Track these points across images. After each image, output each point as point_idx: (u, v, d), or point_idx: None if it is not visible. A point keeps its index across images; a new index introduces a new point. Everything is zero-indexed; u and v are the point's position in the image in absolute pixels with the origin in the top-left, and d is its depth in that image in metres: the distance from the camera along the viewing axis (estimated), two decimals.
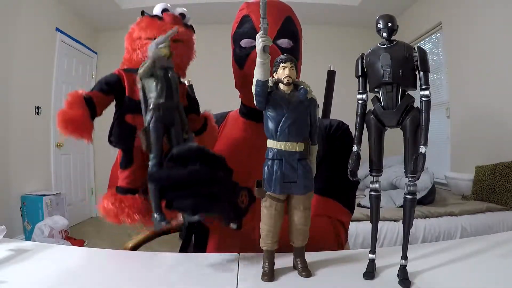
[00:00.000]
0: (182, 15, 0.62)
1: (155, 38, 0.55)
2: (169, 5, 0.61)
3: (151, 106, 0.51)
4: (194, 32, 0.64)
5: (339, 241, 0.72)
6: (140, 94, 0.52)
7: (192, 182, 0.47)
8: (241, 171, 0.75)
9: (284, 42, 0.73)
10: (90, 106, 0.51)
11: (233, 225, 0.54)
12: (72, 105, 0.49)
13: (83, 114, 0.49)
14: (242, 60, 0.75)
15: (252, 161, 0.74)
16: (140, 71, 0.51)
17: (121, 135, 0.55)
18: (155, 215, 0.52)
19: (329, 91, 1.09)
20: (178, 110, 0.54)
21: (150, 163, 0.51)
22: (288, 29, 0.74)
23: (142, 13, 0.61)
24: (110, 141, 0.56)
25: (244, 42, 0.75)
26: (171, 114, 0.52)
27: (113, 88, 0.55)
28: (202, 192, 0.48)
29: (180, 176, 0.47)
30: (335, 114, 1.10)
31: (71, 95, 0.50)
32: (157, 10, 0.60)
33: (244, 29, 0.75)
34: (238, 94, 0.82)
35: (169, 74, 0.52)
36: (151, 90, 0.51)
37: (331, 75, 1.09)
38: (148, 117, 0.51)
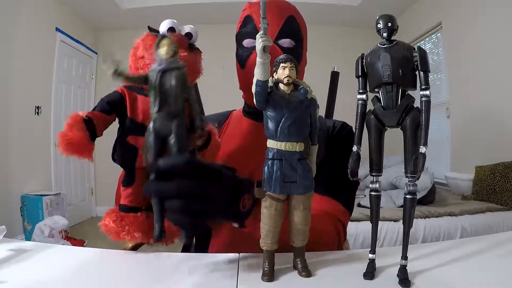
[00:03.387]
0: (189, 34, 0.59)
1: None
2: (175, 21, 0.58)
3: (152, 117, 0.49)
4: (201, 52, 0.61)
5: (339, 240, 0.72)
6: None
7: (182, 197, 0.45)
8: (244, 171, 0.75)
9: (285, 42, 0.73)
10: (90, 127, 0.51)
11: (235, 224, 0.54)
12: (72, 127, 0.50)
13: (82, 136, 0.50)
14: (244, 60, 0.75)
15: (255, 160, 0.74)
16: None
17: (123, 155, 0.55)
18: (156, 227, 0.50)
19: (333, 92, 1.09)
20: (181, 117, 0.49)
21: (149, 177, 0.48)
22: (290, 29, 0.74)
23: (149, 28, 0.58)
24: (113, 159, 0.56)
25: (246, 42, 0.75)
26: (167, 124, 0.48)
27: (115, 108, 0.54)
28: (193, 208, 0.45)
29: (169, 190, 0.45)
30: (335, 114, 1.10)
31: (71, 117, 0.51)
32: (163, 29, 0.57)
33: (247, 29, 0.75)
34: (242, 94, 0.82)
35: (166, 78, 0.47)
36: (150, 100, 0.49)
37: (334, 76, 1.09)
38: (148, 128, 0.49)
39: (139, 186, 0.56)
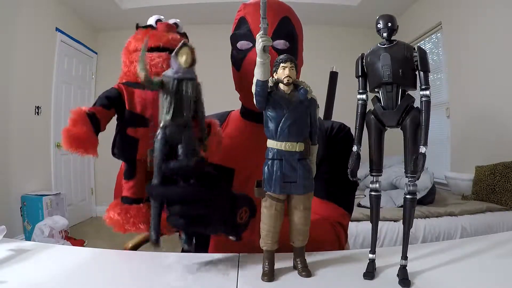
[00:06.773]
0: (176, 24, 0.61)
1: (152, 48, 0.55)
2: (162, 16, 0.61)
3: (161, 123, 0.49)
4: (188, 39, 0.62)
5: (340, 244, 0.72)
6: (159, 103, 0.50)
7: (188, 202, 0.47)
8: (242, 171, 0.75)
9: (280, 43, 0.72)
10: (94, 121, 0.51)
11: (232, 238, 0.54)
12: (76, 122, 0.49)
13: (87, 131, 0.49)
14: (239, 62, 0.74)
15: (253, 161, 0.74)
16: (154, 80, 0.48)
17: (124, 147, 0.56)
18: (152, 233, 0.50)
19: (331, 92, 1.09)
20: (190, 126, 0.51)
21: (152, 181, 0.49)
22: (285, 30, 0.73)
23: (137, 26, 0.60)
24: (113, 153, 0.56)
25: (240, 44, 0.74)
26: (178, 132, 0.49)
27: (114, 103, 0.54)
28: (196, 212, 0.48)
29: (176, 194, 0.47)
30: (335, 114, 1.10)
31: (74, 112, 0.50)
32: (151, 21, 0.60)
33: (241, 31, 0.75)
34: (239, 96, 0.82)
35: (183, 87, 0.48)
36: (162, 105, 0.49)
37: (333, 76, 1.08)
38: (157, 133, 0.49)
39: (141, 178, 0.57)
